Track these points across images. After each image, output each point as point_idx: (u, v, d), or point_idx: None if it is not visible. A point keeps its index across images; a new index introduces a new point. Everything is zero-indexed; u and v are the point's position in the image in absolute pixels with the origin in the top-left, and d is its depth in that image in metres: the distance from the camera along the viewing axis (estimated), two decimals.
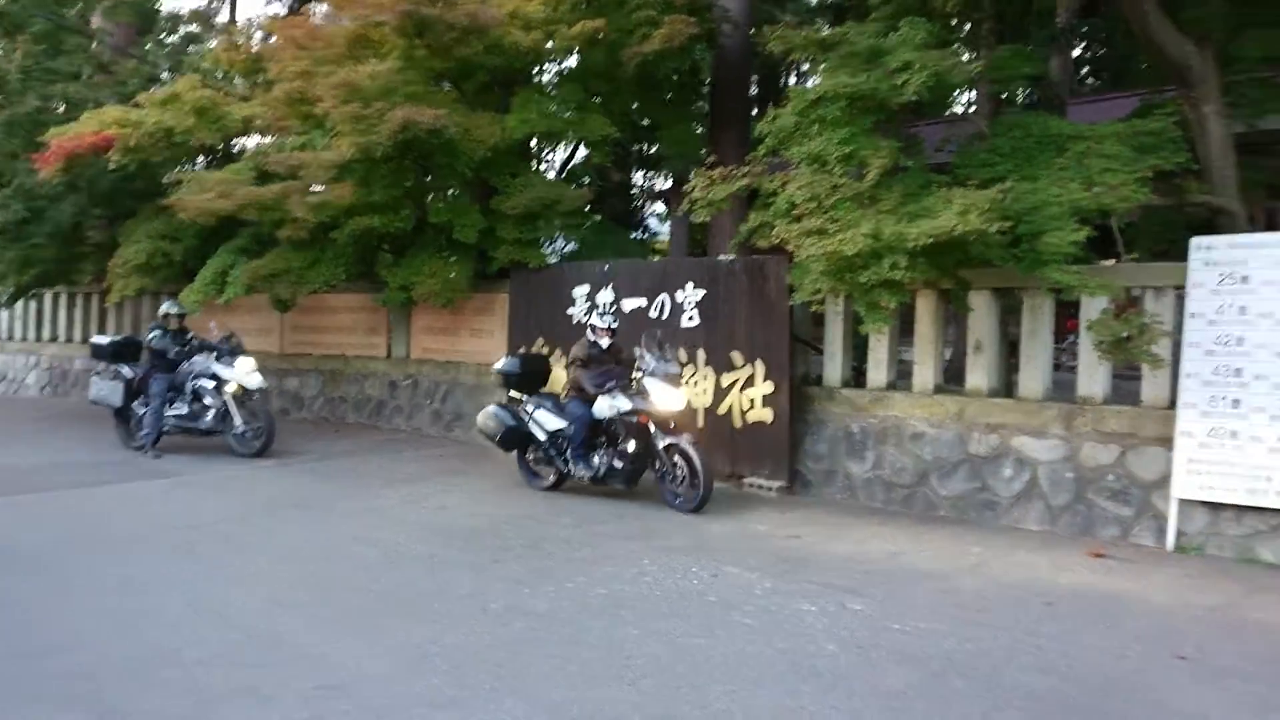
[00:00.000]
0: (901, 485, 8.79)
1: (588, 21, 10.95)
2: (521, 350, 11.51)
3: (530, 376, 9.86)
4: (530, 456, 9.64)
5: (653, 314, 10.46)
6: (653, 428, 8.51)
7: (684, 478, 8.38)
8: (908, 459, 8.77)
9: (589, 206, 13.81)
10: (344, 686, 4.57)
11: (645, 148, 18.88)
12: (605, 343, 9.11)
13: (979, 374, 8.60)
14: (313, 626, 5.42)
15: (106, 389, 11.54)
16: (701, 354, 9.99)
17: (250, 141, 16.12)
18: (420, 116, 10.34)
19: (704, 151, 10.96)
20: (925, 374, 8.89)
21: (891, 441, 8.90)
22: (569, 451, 9.06)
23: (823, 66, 8.16)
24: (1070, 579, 6.53)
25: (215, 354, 11.24)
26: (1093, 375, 7.97)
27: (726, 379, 9.75)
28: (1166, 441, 7.42)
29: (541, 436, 9.28)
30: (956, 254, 7.49)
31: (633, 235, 19.06)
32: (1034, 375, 8.27)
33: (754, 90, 17.28)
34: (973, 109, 12.14)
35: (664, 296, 10.40)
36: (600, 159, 13.65)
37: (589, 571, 6.55)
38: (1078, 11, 12.01)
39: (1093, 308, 7.65)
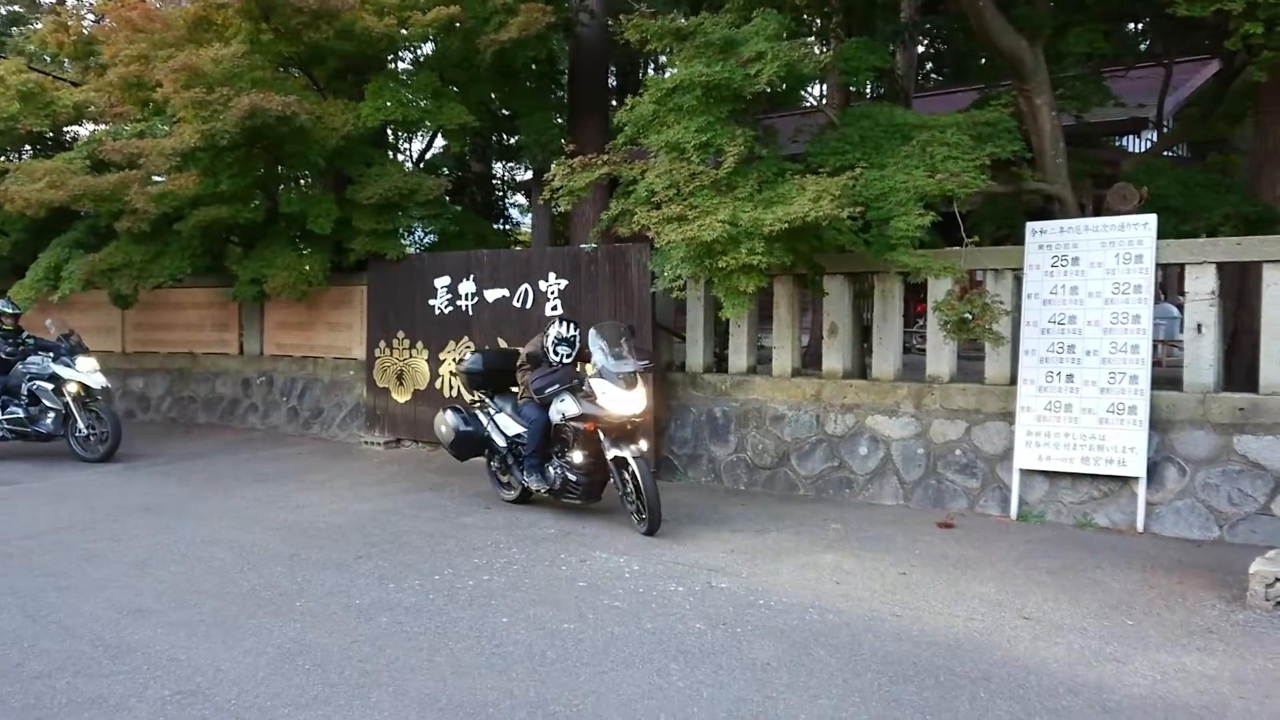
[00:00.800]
0: (763, 467, 9.01)
1: (442, 8, 10.77)
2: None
3: (496, 375, 8.65)
4: (494, 465, 8.58)
5: (516, 304, 10.41)
6: (602, 436, 7.31)
7: (633, 495, 7.25)
8: (769, 441, 8.99)
9: (449, 197, 13.61)
10: (201, 691, 4.39)
11: (505, 138, 18.72)
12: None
13: (834, 357, 8.88)
14: (166, 633, 5.18)
15: None
16: None
17: (84, 129, 15.25)
18: (268, 103, 9.98)
19: (564, 141, 10.94)
20: (784, 358, 9.14)
21: (753, 424, 9.11)
22: (525, 461, 8.02)
23: (679, 56, 8.25)
24: (923, 549, 6.82)
25: (53, 353, 10.60)
26: (940, 355, 8.35)
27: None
28: (1008, 416, 7.84)
29: (500, 443, 8.26)
30: (811, 239, 7.71)
31: (495, 226, 18.87)
32: (886, 357, 8.61)
33: (613, 80, 17.37)
34: (824, 100, 12.50)
35: (527, 286, 10.36)
36: (459, 149, 13.49)
37: (456, 564, 6.48)
38: (920, 8, 12.50)
39: (938, 290, 8.00)
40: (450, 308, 11.02)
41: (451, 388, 10.98)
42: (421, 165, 14.38)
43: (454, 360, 10.94)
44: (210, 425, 13.28)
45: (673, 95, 7.96)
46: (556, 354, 7.83)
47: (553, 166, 9.02)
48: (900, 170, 7.54)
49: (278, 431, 12.67)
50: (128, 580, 6.13)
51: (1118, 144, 13.82)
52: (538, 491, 7.96)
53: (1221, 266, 7.39)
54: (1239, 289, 8.81)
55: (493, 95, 13.53)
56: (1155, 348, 7.66)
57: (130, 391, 14.18)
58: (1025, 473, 7.71)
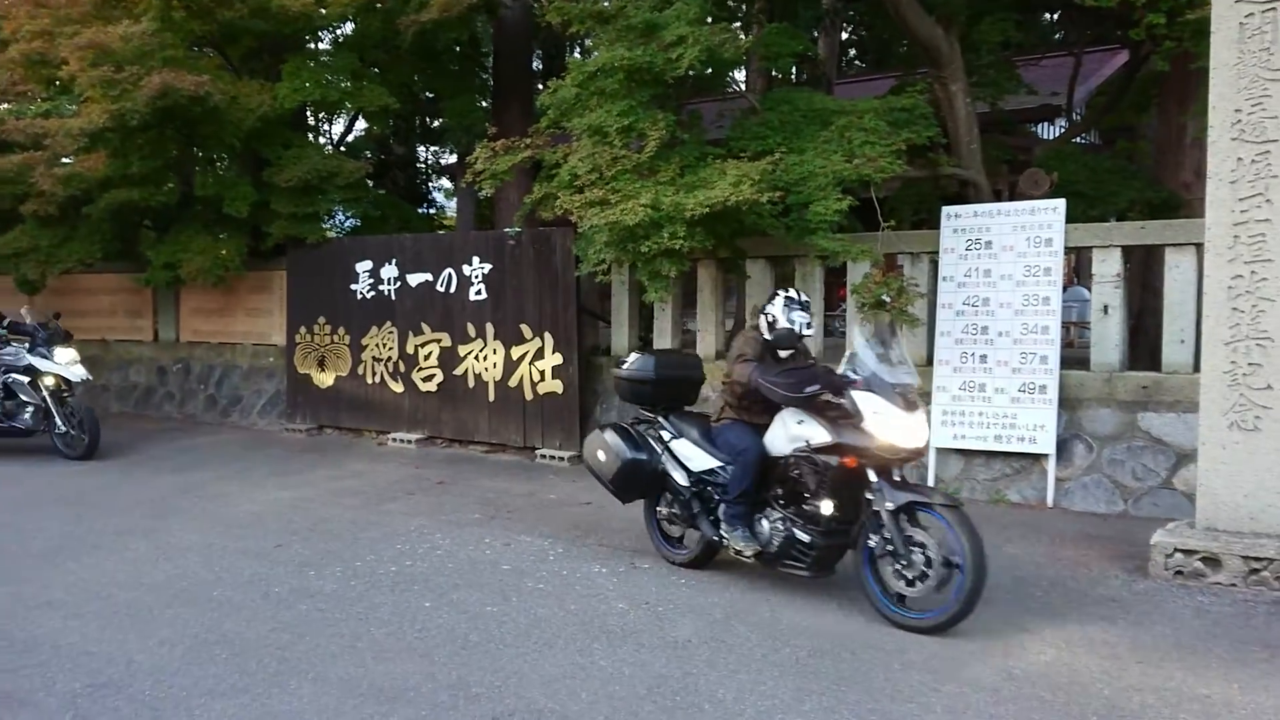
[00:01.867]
0: None
1: None
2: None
3: (674, 385, 6.26)
4: (663, 511, 6.11)
5: (440, 288, 10.31)
6: (872, 476, 5.03)
7: (920, 571, 4.81)
8: None
9: (371, 180, 13.42)
10: (114, 683, 4.30)
11: (428, 120, 18.50)
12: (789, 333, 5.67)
13: None
14: (76, 625, 5.05)
15: None
16: (490, 328, 9.94)
17: None
18: (181, 82, 9.71)
19: (487, 124, 10.85)
20: (708, 341, 9.21)
21: None
22: (721, 508, 5.66)
23: (601, 40, 8.24)
24: None
25: (29, 341, 9.85)
26: (859, 337, 8.48)
27: (516, 351, 9.75)
28: (924, 396, 8.01)
29: (681, 481, 5.89)
30: (732, 223, 7.78)
31: (418, 210, 18.65)
32: None
33: (538, 63, 17.25)
34: (747, 85, 12.60)
35: (451, 271, 10.27)
36: (381, 131, 13.30)
37: (378, 550, 6.43)
38: None
39: (857, 273, 8.14)
40: (372, 293, 10.88)
41: (374, 374, 10.84)
42: (342, 148, 14.15)
43: (416, 349, 10.81)
44: (124, 414, 12.92)
45: (595, 79, 7.96)
46: (793, 329, 5.65)
47: (476, 149, 8.96)
48: (819, 155, 7.65)
49: (195, 420, 12.38)
50: (33, 574, 5.96)
51: (1030, 131, 14.17)
52: (738, 553, 5.55)
53: (1127, 250, 7.65)
54: (1144, 272, 9.13)
55: (415, 77, 13.36)
56: (1066, 329, 7.89)
57: None
58: (941, 451, 7.91)
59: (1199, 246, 6.21)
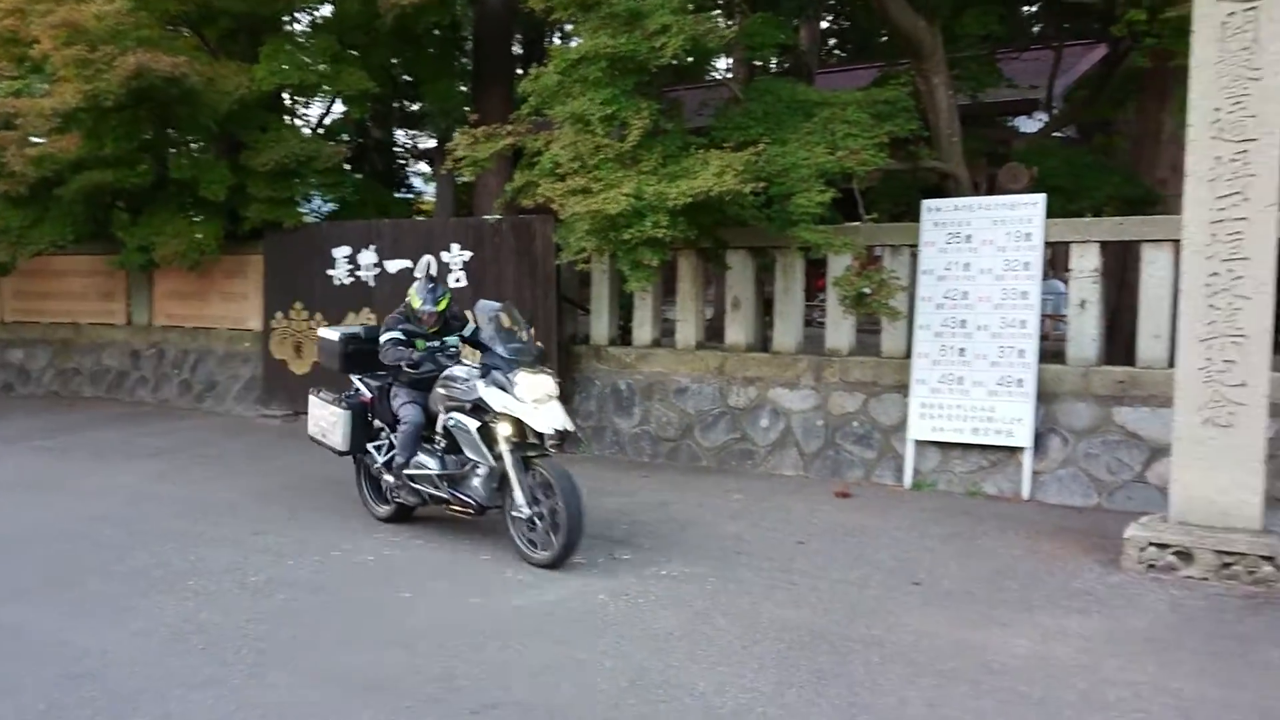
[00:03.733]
0: (667, 439, 9.09)
1: None
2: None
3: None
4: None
5: (418, 275, 10.21)
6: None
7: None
8: (673, 413, 9.08)
9: (349, 165, 13.29)
10: (90, 674, 4.26)
11: (407, 105, 18.33)
12: (428, 308, 6.50)
13: (737, 330, 8.99)
14: (51, 614, 5.01)
15: None
16: (470, 315, 9.87)
17: None
18: (156, 63, 9.56)
19: (468, 110, 10.77)
20: (688, 331, 9.21)
21: (657, 397, 9.18)
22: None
23: (584, 26, 8.18)
24: (820, 518, 7.00)
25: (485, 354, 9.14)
26: (839, 329, 8.53)
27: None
28: (904, 388, 8.06)
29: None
30: (714, 213, 7.77)
31: (397, 195, 18.49)
32: (787, 330, 8.75)
33: (519, 49, 17.13)
34: (730, 74, 12.57)
35: (430, 258, 10.16)
36: (359, 115, 13.15)
37: (358, 540, 6.40)
38: None
39: (838, 265, 8.16)
40: (350, 279, 10.79)
41: None
42: (320, 131, 13.97)
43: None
44: (96, 399, 12.77)
45: (578, 66, 7.90)
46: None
47: (456, 135, 8.88)
48: (802, 146, 7.64)
49: (169, 405, 12.25)
50: (6, 562, 5.89)
51: (1010, 124, 14.23)
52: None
53: (1104, 245, 7.70)
54: (1121, 267, 9.20)
55: (394, 61, 13.21)
56: (1043, 322, 7.95)
57: (9, 363, 13.52)
58: (919, 443, 7.95)
59: (1176, 243, 6.25)
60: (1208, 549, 5.60)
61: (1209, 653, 4.58)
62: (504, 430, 5.88)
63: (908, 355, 8.08)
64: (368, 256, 10.62)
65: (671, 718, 3.90)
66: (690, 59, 8.53)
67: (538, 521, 5.78)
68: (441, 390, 6.33)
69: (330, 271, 10.90)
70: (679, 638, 4.72)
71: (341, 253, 10.83)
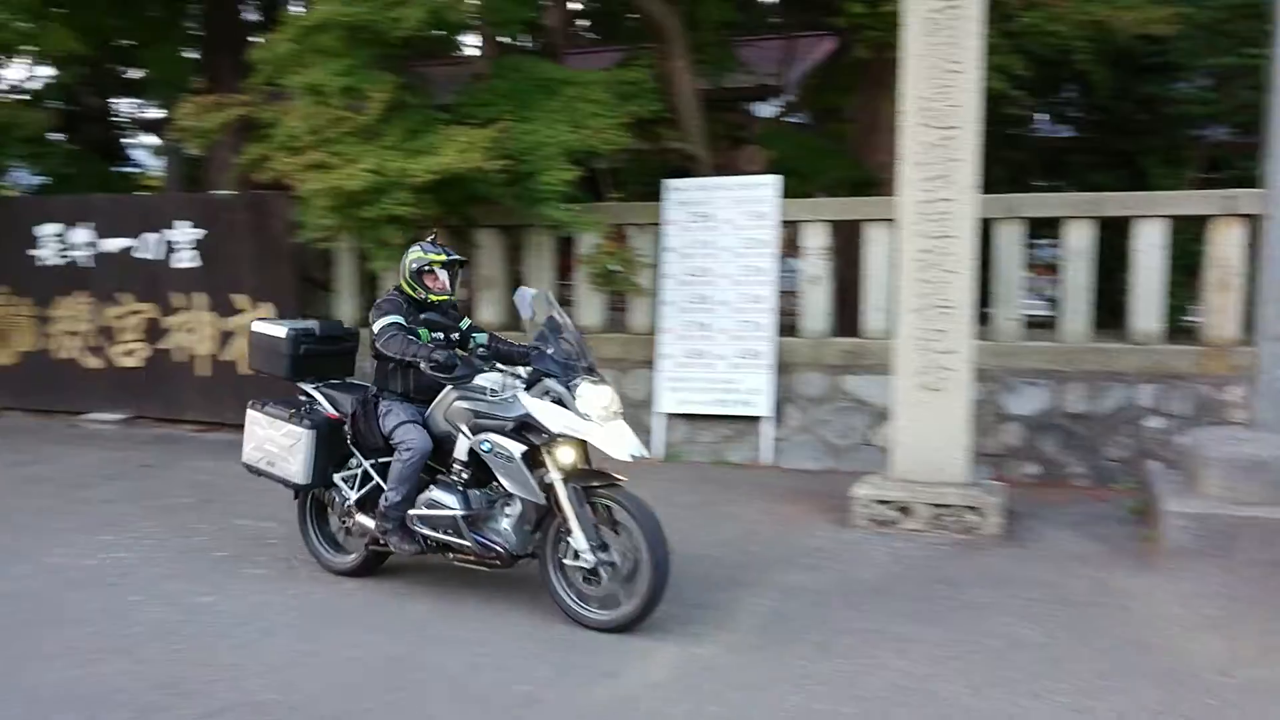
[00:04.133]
0: None
1: None
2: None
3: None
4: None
5: (144, 255, 9.47)
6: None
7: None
8: None
9: (62, 134, 12.07)
10: None
11: (128, 70, 16.87)
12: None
13: (489, 309, 8.91)
14: None
15: None
16: (202, 297, 9.26)
17: None
18: None
19: (194, 78, 10.03)
20: None
21: None
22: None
23: None
24: None
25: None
26: (589, 306, 8.62)
27: (231, 323, 9.14)
28: (651, 364, 8.26)
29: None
30: (461, 191, 7.64)
31: (117, 168, 17.00)
32: None
33: (254, 15, 16.13)
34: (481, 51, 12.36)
35: (154, 235, 9.45)
36: (70, 80, 11.96)
37: (77, 541, 5.85)
38: None
39: (587, 244, 8.24)
40: (61, 259, 9.82)
41: (66, 349, 9.82)
42: (25, 98, 12.61)
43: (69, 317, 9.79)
44: None
45: (313, 34, 7.52)
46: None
47: (180, 104, 8.26)
48: (547, 125, 7.63)
49: None
50: None
51: (749, 110, 14.84)
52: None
53: (835, 224, 8.20)
54: (850, 245, 9.81)
55: (109, 22, 12.10)
56: (782, 299, 8.37)
57: None
58: (668, 416, 8.19)
59: (893, 222, 6.74)
60: (923, 502, 6.11)
61: (924, 597, 5.00)
62: (565, 457, 4.56)
63: (654, 331, 8.29)
64: (81, 235, 9.70)
65: None
66: (435, 32, 8.32)
67: (602, 572, 4.51)
68: (462, 404, 4.82)
69: (35, 251, 9.88)
70: (438, 622, 4.62)
71: (49, 230, 9.83)
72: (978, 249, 6.18)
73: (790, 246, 8.66)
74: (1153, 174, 10.70)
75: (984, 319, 7.74)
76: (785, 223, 8.29)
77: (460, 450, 4.81)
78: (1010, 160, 11.59)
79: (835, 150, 11.05)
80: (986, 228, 7.50)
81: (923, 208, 6.16)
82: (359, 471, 5.19)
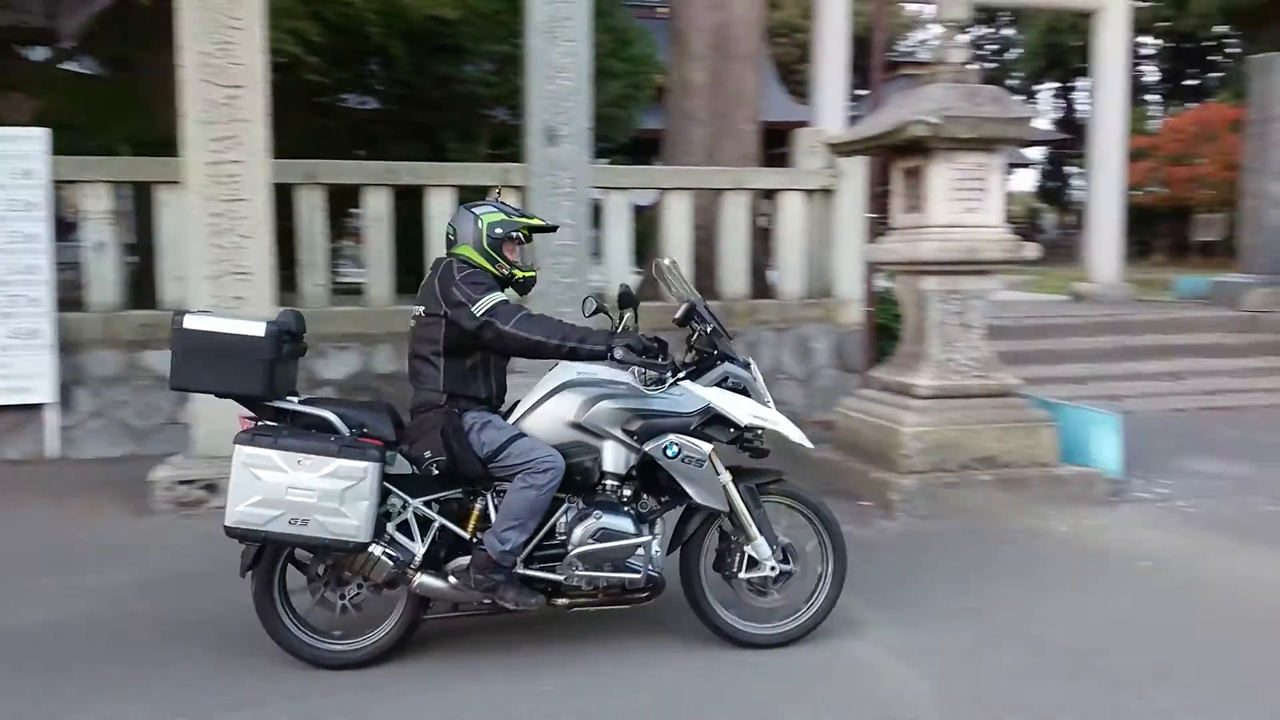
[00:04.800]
0: None
1: None
2: None
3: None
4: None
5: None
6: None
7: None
8: None
9: None
10: None
11: None
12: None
13: None
14: None
15: None
16: None
17: None
18: None
19: None
20: None
21: None
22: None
23: None
24: None
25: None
26: None
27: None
28: None
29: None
30: None
31: None
32: None
33: None
34: None
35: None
36: None
37: None
38: None
39: None
40: None
41: None
42: None
43: None
44: None
45: None
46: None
47: None
48: None
49: None
50: None
51: (21, 54, 12.84)
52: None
53: (128, 187, 7.45)
54: (144, 209, 9.03)
55: None
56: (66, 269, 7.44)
57: None
58: None
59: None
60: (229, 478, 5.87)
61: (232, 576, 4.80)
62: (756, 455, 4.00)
63: None
64: None
65: None
66: None
67: (772, 582, 3.91)
68: (611, 404, 3.80)
69: None
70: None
71: None
72: (279, 215, 6.06)
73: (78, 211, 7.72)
74: (450, 148, 11.60)
75: (294, 286, 7.69)
76: (62, 183, 7.36)
77: (617, 461, 3.83)
78: (325, 130, 11.66)
79: (127, 105, 10.06)
80: (289, 194, 7.45)
81: (212, 170, 5.88)
82: (408, 516, 3.78)
